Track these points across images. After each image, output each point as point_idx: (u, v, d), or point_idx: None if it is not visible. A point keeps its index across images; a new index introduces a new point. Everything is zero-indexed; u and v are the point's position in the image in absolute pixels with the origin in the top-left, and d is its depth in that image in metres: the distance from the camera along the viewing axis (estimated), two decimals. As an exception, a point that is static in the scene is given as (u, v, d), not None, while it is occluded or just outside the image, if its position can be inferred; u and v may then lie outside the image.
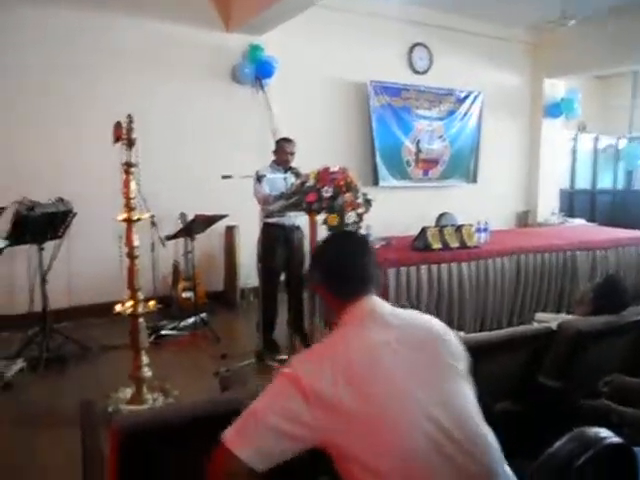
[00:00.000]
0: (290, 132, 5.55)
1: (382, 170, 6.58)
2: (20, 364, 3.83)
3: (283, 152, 4.27)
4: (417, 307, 4.32)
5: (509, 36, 7.51)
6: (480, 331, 4.70)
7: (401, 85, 6.66)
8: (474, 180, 7.45)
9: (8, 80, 4.64)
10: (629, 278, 5.59)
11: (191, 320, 4.77)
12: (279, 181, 4.20)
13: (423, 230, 4.58)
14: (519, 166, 8.09)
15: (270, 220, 4.19)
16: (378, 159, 6.56)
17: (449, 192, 7.27)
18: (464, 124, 7.23)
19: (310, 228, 3.90)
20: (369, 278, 1.47)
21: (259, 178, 3.89)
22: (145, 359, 3.19)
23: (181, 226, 4.75)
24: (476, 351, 1.55)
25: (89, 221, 4.52)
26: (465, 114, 7.21)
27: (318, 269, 1.54)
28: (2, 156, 4.69)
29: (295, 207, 3.82)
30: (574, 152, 8.75)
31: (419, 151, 6.92)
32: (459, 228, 4.77)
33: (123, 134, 3.03)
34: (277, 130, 5.43)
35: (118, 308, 3.16)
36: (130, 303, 3.16)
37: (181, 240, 4.93)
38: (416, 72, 6.87)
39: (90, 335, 4.51)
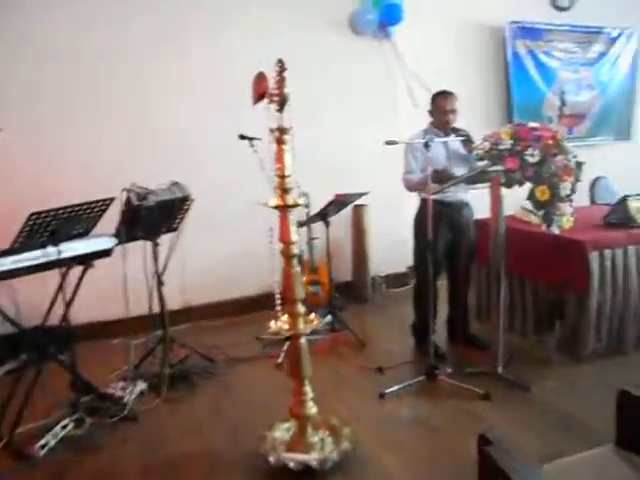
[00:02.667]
0: (418, 88, 4.65)
1: (522, 130, 5.46)
2: (140, 385, 3.17)
3: (441, 110, 3.32)
4: (625, 299, 3.32)
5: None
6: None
7: (543, 25, 5.48)
8: (627, 137, 6.17)
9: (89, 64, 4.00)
10: None
11: (325, 320, 3.97)
12: (438, 149, 3.26)
13: (623, 200, 3.53)
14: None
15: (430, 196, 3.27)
16: (515, 117, 5.45)
17: (597, 151, 6.02)
18: (616, 69, 5.95)
19: (493, 205, 2.97)
20: None
21: (426, 145, 2.90)
22: (309, 391, 2.38)
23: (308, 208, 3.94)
24: None
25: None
26: (617, 57, 5.92)
27: None
28: (106, 139, 4.08)
29: (475, 179, 2.90)
30: None
31: (563, 104, 5.72)
32: (662, 195, 3.67)
33: (270, 89, 2.20)
34: (410, 86, 4.47)
35: (272, 326, 2.37)
36: (285, 319, 2.36)
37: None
38: (558, 8, 5.65)
39: (208, 342, 3.83)
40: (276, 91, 2.15)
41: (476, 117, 4.53)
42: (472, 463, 2.32)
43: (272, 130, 2.19)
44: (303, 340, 2.35)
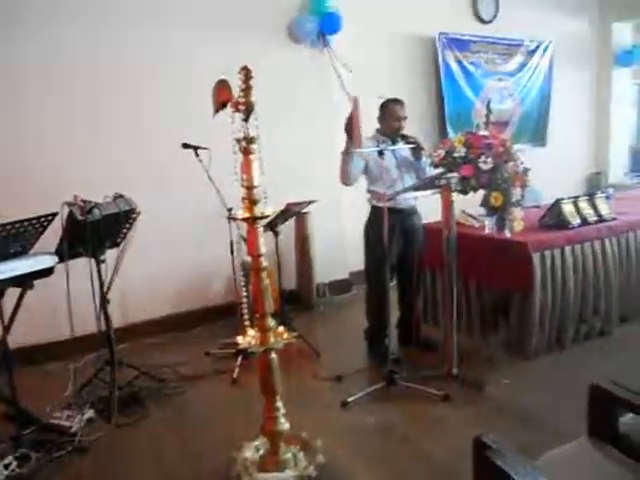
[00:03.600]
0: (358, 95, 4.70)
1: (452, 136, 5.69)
2: (88, 413, 2.96)
3: (393, 117, 3.37)
4: (564, 294, 3.52)
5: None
6: (624, 320, 3.94)
7: (470, 37, 5.74)
8: (542, 143, 6.58)
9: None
10: None
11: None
12: (388, 156, 3.29)
13: (556, 203, 3.75)
14: (589, 123, 7.23)
15: (381, 203, 3.31)
16: (448, 124, 5.67)
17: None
18: (534, 80, 6.34)
19: (444, 211, 3.05)
20: None
21: (380, 153, 2.93)
22: (281, 406, 2.32)
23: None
24: None
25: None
26: (535, 68, 6.32)
27: None
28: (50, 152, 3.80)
29: (427, 186, 2.96)
30: (640, 105, 7.92)
31: (489, 112, 6.01)
32: (591, 198, 3.94)
33: (234, 97, 2.13)
34: (349, 94, 4.50)
35: (241, 341, 2.29)
36: (253, 334, 2.29)
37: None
38: (482, 21, 5.94)
39: (155, 360, 3.66)
40: (242, 100, 2.08)
41: (412, 125, 4.65)
42: (447, 467, 2.38)
43: (238, 140, 2.12)
44: (273, 355, 2.29)
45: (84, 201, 2.85)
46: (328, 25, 4.49)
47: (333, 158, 4.75)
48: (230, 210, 3.55)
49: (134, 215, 3.14)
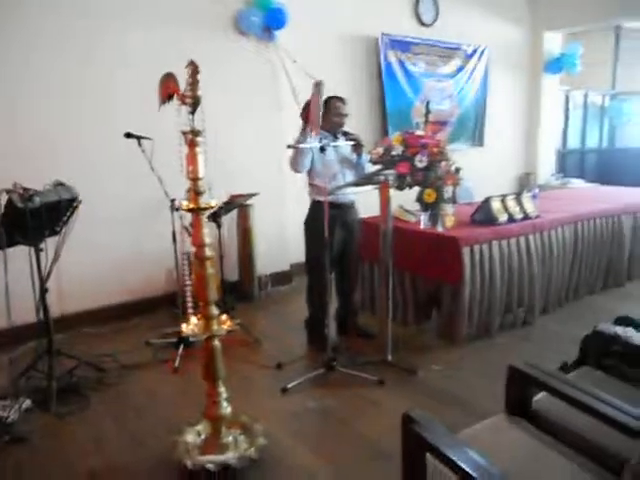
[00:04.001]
0: (302, 90, 4.80)
1: (394, 133, 5.88)
2: (26, 403, 2.93)
3: (335, 113, 3.48)
4: (491, 287, 3.76)
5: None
6: (545, 311, 4.27)
7: (411, 39, 5.95)
8: (480, 143, 6.93)
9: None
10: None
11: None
12: (329, 152, 3.42)
13: (486, 201, 4.00)
14: (520, 126, 7.66)
15: (322, 198, 3.43)
16: (389, 121, 5.87)
17: (456, 156, 6.67)
18: (472, 82, 6.66)
19: (382, 206, 3.21)
20: None
21: (322, 149, 3.04)
22: (223, 391, 2.40)
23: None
24: None
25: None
26: (472, 71, 6.63)
27: None
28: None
29: (367, 181, 3.11)
30: (566, 110, 8.43)
31: (428, 112, 6.26)
32: (518, 196, 4.22)
33: (181, 90, 2.19)
34: (294, 89, 4.59)
35: (185, 329, 2.35)
36: (196, 322, 2.36)
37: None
38: (423, 24, 6.17)
39: (94, 350, 3.64)
40: (189, 93, 2.14)
41: (354, 121, 4.80)
42: (381, 445, 2.54)
43: (184, 132, 2.17)
44: (216, 342, 2.36)
45: (24, 188, 2.80)
46: (274, 20, 4.56)
47: (277, 151, 4.87)
48: (173, 201, 3.57)
49: (75, 204, 3.10)
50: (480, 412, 2.35)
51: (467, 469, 1.41)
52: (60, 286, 3.89)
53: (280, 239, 5.21)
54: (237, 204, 4.01)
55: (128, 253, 4.33)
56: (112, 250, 4.25)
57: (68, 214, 3.12)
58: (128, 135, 3.59)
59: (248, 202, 4.50)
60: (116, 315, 4.27)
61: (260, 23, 4.54)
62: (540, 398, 2.06)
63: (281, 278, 5.27)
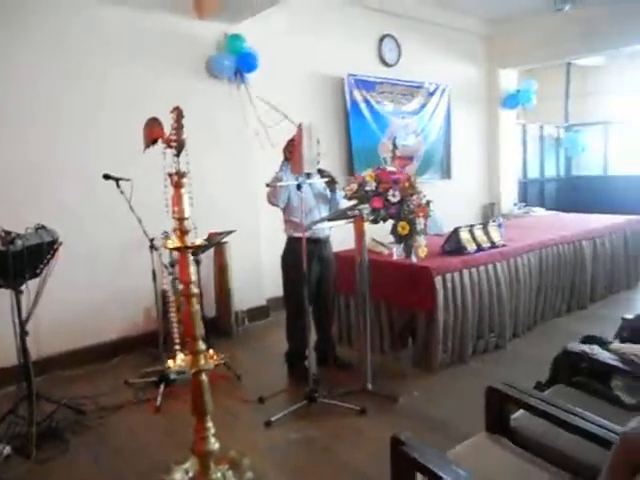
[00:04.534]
0: (271, 132, 4.97)
1: (361, 170, 6.06)
2: (6, 450, 2.88)
3: (307, 152, 3.62)
4: (463, 314, 3.91)
5: (466, 27, 7.36)
6: (515, 335, 4.43)
7: (375, 78, 6.23)
8: (448, 175, 7.21)
9: None
10: (620, 262, 5.67)
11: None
12: (305, 189, 3.54)
13: (455, 232, 4.18)
14: (483, 158, 8.00)
15: (298, 234, 3.55)
16: (355, 157, 6.08)
17: (424, 188, 6.94)
18: (435, 118, 6.97)
19: (357, 239, 3.34)
20: None
21: (299, 187, 3.16)
22: (211, 426, 2.44)
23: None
24: None
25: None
26: (435, 108, 6.95)
27: None
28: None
29: (342, 216, 3.24)
30: (524, 142, 8.86)
31: (395, 148, 6.54)
32: (485, 226, 4.42)
33: (166, 135, 2.29)
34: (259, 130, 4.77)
35: (171, 364, 2.39)
36: (182, 357, 2.41)
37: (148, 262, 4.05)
38: (386, 64, 6.47)
39: (72, 393, 3.60)
40: (174, 137, 2.24)
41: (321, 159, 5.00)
42: (366, 471, 2.60)
43: (170, 174, 2.27)
44: (204, 376, 2.41)
45: (6, 232, 2.83)
46: (245, 63, 4.74)
47: (249, 189, 5.00)
48: (152, 240, 3.63)
49: (55, 246, 3.13)
50: (462, 433, 2.43)
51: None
52: (37, 328, 3.85)
53: (256, 275, 5.29)
54: (215, 241, 4.08)
55: (105, 294, 4.32)
56: (89, 290, 4.24)
57: (49, 256, 3.14)
58: (106, 177, 3.66)
59: (224, 240, 4.57)
60: (94, 356, 4.23)
61: (232, 66, 4.70)
62: (517, 416, 2.17)
63: (258, 313, 5.31)
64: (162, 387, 3.57)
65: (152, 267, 3.72)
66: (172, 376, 3.70)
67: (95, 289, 4.28)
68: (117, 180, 3.66)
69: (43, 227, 3.07)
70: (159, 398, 3.48)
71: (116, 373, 4.04)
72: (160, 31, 4.51)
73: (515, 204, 8.24)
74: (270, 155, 4.65)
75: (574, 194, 9.51)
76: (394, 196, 2.98)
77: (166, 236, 4.14)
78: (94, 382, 3.89)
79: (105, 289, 4.33)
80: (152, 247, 3.64)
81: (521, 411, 2.19)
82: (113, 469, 2.78)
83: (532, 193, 9.06)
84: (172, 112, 2.27)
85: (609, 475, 1.40)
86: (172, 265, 3.78)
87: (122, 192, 3.63)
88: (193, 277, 2.35)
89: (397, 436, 1.74)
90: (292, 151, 3.36)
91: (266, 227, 5.20)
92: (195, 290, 2.35)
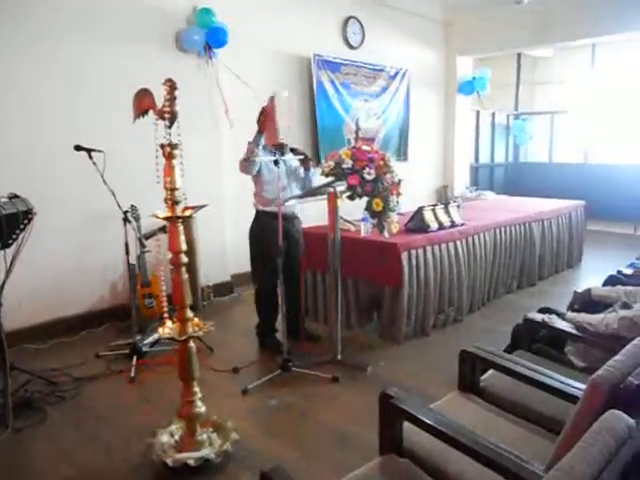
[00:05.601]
0: (237, 108, 5.00)
1: (326, 149, 6.21)
2: (-19, 420, 2.87)
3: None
4: (426, 289, 4.12)
5: (427, 13, 7.55)
6: (471, 310, 4.70)
7: (341, 60, 6.33)
8: (405, 158, 7.42)
9: None
10: (565, 243, 6.08)
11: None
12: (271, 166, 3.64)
13: (419, 211, 4.37)
14: (439, 142, 8.27)
15: (268, 208, 3.66)
16: (320, 137, 6.19)
17: (383, 171, 7.17)
18: (395, 102, 7.15)
19: (330, 216, 3.47)
20: None
21: (276, 162, 3.25)
22: (198, 391, 2.54)
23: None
24: None
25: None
26: (396, 92, 7.12)
27: None
28: None
29: (315, 193, 3.36)
30: (477, 128, 9.20)
31: (358, 129, 6.68)
32: (446, 206, 4.65)
33: (157, 106, 2.33)
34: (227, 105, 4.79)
35: (161, 331, 2.46)
36: (171, 325, 2.48)
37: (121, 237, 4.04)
38: (351, 47, 6.57)
39: (43, 365, 3.59)
40: (167, 108, 2.29)
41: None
42: (343, 432, 2.77)
43: (162, 145, 2.31)
44: (192, 343, 2.50)
45: (-20, 200, 2.79)
46: (215, 38, 4.72)
47: (215, 164, 5.02)
48: (126, 212, 3.63)
49: (30, 216, 3.09)
50: (429, 395, 2.63)
51: (443, 429, 1.68)
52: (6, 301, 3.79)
53: (221, 250, 5.33)
54: (196, 211, 4.09)
55: (72, 267, 4.27)
56: (56, 264, 4.19)
57: (22, 227, 3.10)
58: (78, 148, 3.61)
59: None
60: (62, 330, 4.20)
61: (202, 41, 4.68)
62: (486, 377, 2.39)
63: (222, 289, 5.37)
64: (134, 359, 3.63)
65: (125, 240, 3.72)
66: (144, 348, 3.78)
67: (61, 263, 4.22)
68: (89, 151, 3.62)
69: (17, 196, 3.02)
70: (133, 369, 3.53)
71: (84, 346, 4.03)
72: (129, 4, 4.43)
73: (467, 187, 8.59)
74: (237, 131, 4.71)
75: (521, 179, 9.98)
76: (369, 174, 3.12)
77: (133, 209, 4.15)
78: (62, 355, 3.87)
79: (71, 263, 4.28)
80: (125, 220, 3.64)
81: (489, 372, 2.41)
82: (95, 434, 2.83)
83: (483, 177, 9.45)
84: (164, 84, 2.31)
85: (577, 420, 1.60)
86: (146, 238, 3.79)
87: (94, 163, 3.60)
88: (183, 246, 2.41)
89: (386, 391, 1.90)
90: (264, 121, 3.41)
91: (229, 205, 5.25)
92: (184, 259, 2.42)
